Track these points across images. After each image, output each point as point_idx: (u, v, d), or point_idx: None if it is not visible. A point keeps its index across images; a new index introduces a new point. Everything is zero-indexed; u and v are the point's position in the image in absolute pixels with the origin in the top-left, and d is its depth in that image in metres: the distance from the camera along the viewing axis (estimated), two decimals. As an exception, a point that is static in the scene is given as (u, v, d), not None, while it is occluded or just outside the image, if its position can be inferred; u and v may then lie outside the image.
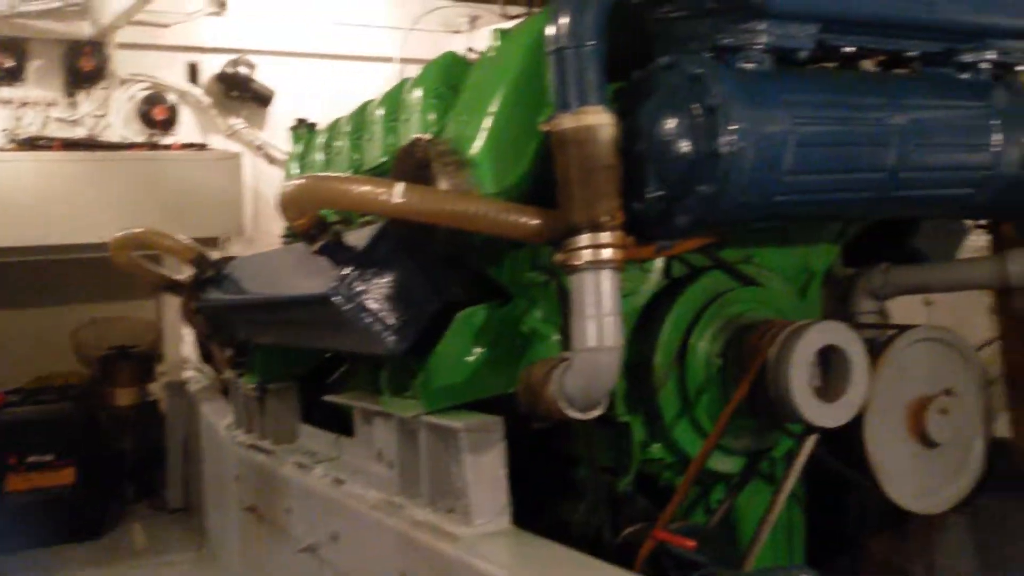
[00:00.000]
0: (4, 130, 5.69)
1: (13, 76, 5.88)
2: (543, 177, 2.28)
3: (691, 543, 2.35)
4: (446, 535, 2.48)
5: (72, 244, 5.15)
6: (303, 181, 2.48)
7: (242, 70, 6.34)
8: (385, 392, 2.94)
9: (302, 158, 3.98)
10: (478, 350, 2.65)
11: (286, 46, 6.50)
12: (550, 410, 2.29)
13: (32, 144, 5.45)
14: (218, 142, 6.26)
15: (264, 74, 6.49)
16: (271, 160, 6.58)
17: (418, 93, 2.82)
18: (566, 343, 2.39)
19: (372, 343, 2.60)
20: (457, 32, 6.77)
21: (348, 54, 6.57)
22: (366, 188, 2.30)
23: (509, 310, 2.66)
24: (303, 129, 4.07)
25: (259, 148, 6.53)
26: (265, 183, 6.36)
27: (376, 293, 2.52)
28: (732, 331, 2.54)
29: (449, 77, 2.77)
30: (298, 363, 4.02)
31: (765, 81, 2.20)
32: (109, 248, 4.16)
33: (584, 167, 2.10)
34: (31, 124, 5.84)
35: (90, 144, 5.65)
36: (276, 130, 6.55)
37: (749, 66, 2.18)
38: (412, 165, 2.42)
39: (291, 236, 3.89)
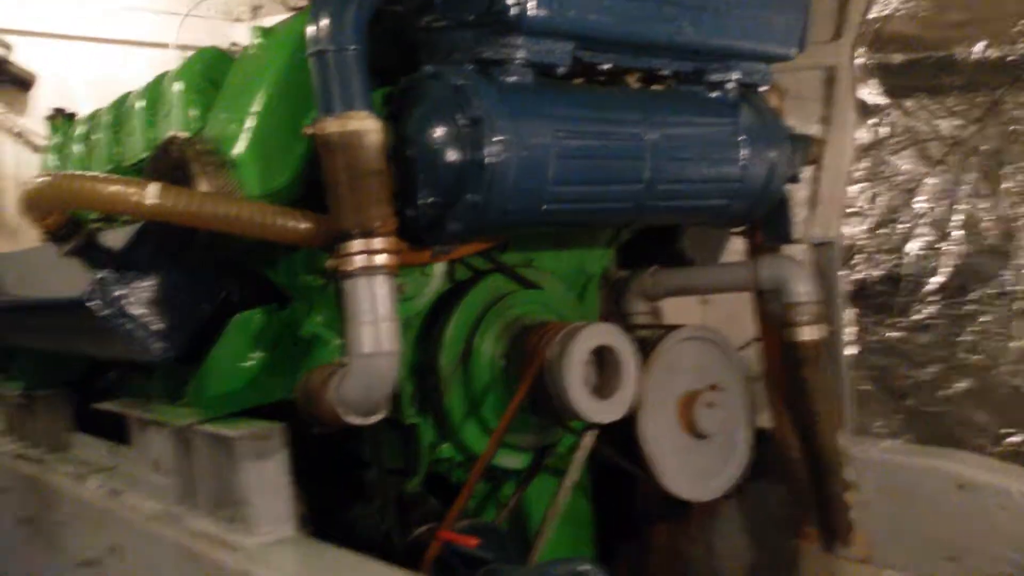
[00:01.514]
0: None
1: None
2: (315, 180, 2.22)
3: (473, 541, 2.40)
4: (227, 545, 2.39)
5: None
6: (47, 179, 2.28)
7: (-2, 47, 5.75)
8: (159, 399, 2.79)
9: (60, 150, 3.68)
10: (256, 355, 2.56)
11: (49, 27, 5.96)
12: (329, 416, 2.25)
13: None
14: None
15: (25, 56, 5.92)
16: (35, 148, 6.03)
17: (179, 87, 2.67)
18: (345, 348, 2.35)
19: (137, 350, 2.45)
20: (238, 20, 6.47)
21: (120, 38, 6.12)
22: (116, 188, 2.14)
23: (288, 314, 2.58)
24: (61, 119, 3.77)
25: (20, 135, 5.97)
26: (29, 172, 5.83)
27: (137, 297, 2.37)
28: (514, 333, 2.60)
29: (211, 72, 2.64)
30: (67, 368, 3.74)
31: (527, 94, 2.25)
32: None
33: (351, 172, 2.06)
34: None
35: None
36: (39, 116, 6.01)
37: (511, 79, 2.22)
38: (169, 164, 2.28)
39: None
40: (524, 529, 2.90)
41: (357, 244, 2.07)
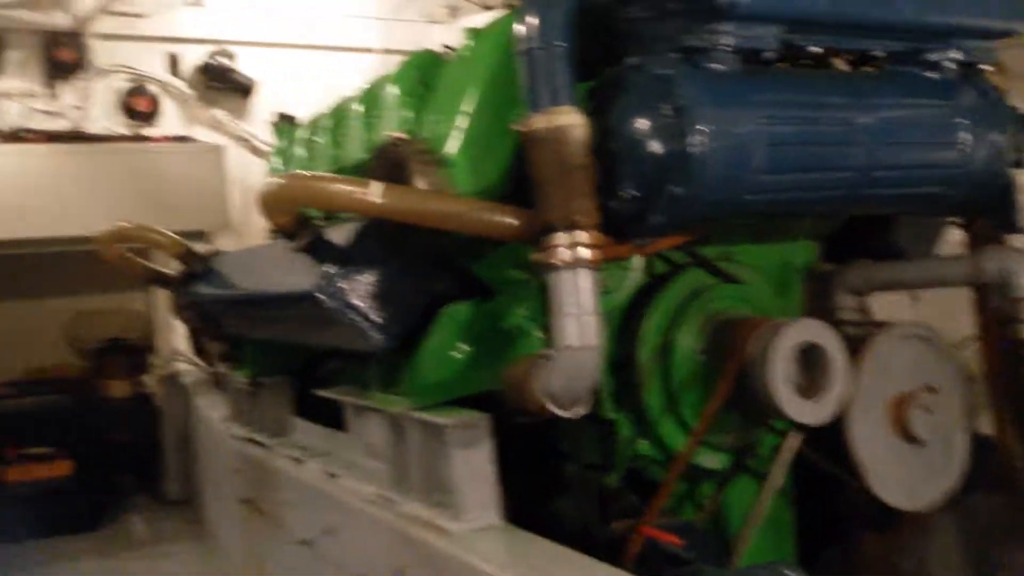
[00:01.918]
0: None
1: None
2: (521, 176, 2.29)
3: (677, 539, 2.38)
4: (438, 530, 2.51)
5: (58, 237, 5.16)
6: (282, 181, 2.49)
7: (222, 61, 6.30)
8: (374, 387, 2.96)
9: (284, 152, 3.98)
10: (464, 346, 2.67)
11: (266, 36, 6.46)
12: (534, 407, 2.30)
13: (15, 137, 5.43)
14: (202, 133, 6.23)
15: (245, 64, 6.44)
16: (256, 151, 6.56)
17: (394, 91, 2.83)
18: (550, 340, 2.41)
19: (358, 340, 2.62)
20: (437, 23, 6.75)
21: (329, 44, 6.54)
22: (344, 188, 2.31)
23: (493, 306, 2.67)
24: (284, 124, 4.07)
25: (243, 139, 6.50)
26: (251, 174, 6.35)
27: (360, 290, 2.53)
28: (714, 328, 2.56)
29: (424, 75, 2.78)
30: (290, 357, 4.04)
31: (732, 82, 2.22)
32: (96, 242, 4.16)
33: (557, 167, 2.11)
34: (12, 116, 5.80)
35: (74, 136, 5.62)
36: (259, 121, 6.53)
37: (716, 67, 2.20)
38: (389, 164, 2.43)
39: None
40: (722, 530, 2.85)
41: (562, 238, 2.12)
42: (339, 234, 2.65)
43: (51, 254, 5.74)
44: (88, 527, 5.64)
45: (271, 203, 2.51)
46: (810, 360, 2.46)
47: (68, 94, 6.06)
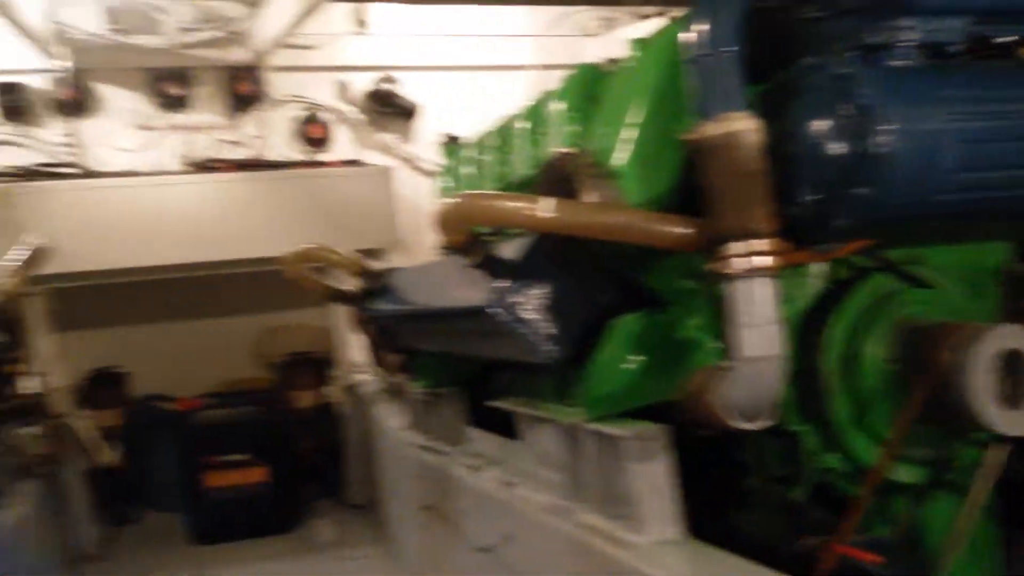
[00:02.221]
0: (179, 155, 6.17)
1: (182, 103, 6.37)
2: (690, 185, 2.26)
3: (877, 557, 2.27)
4: (620, 542, 2.51)
5: (246, 258, 5.53)
6: (457, 201, 2.57)
7: (388, 86, 6.58)
8: (547, 398, 3.00)
9: (452, 172, 4.10)
10: (635, 358, 2.65)
11: (427, 60, 6.69)
12: (713, 420, 2.27)
13: (205, 167, 5.88)
14: (371, 156, 6.52)
15: (408, 88, 6.69)
16: (421, 172, 6.80)
17: (559, 106, 2.86)
18: (725, 352, 2.37)
19: (530, 353, 2.66)
20: (592, 36, 6.76)
21: (486, 64, 6.69)
22: (516, 205, 2.35)
23: (664, 318, 2.65)
24: (451, 144, 4.19)
25: (409, 161, 6.75)
26: (418, 194, 6.60)
27: (532, 304, 2.57)
28: (903, 335, 2.42)
29: (588, 89, 2.78)
30: (464, 368, 4.14)
31: (917, 77, 2.11)
32: (281, 263, 4.43)
33: (731, 174, 2.06)
34: (201, 147, 6.30)
35: (256, 164, 6.03)
36: (423, 142, 6.75)
37: (898, 63, 2.09)
38: (558, 179, 2.45)
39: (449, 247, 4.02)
40: (917, 549, 2.68)
41: (738, 246, 2.08)
42: (510, 250, 2.71)
43: (241, 275, 6.17)
44: (280, 530, 5.99)
45: (447, 222, 2.60)
46: (1011, 367, 2.28)
47: (249, 125, 6.52)
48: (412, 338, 4.11)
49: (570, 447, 2.87)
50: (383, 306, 4.11)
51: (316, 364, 6.59)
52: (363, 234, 5.02)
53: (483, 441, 3.93)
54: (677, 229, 2.24)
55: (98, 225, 5.29)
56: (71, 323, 6.26)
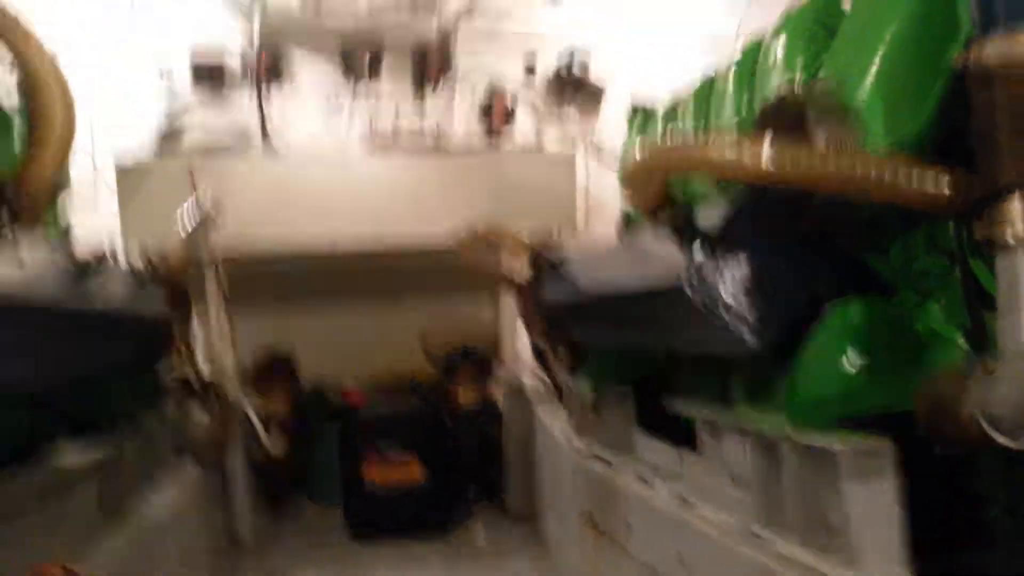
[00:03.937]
0: (363, 132, 6.09)
1: (370, 80, 6.28)
2: (953, 127, 1.76)
3: None
4: (822, 579, 2.03)
5: (419, 242, 5.34)
6: (652, 148, 2.15)
7: (577, 64, 6.26)
8: (739, 403, 2.54)
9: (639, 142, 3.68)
10: (857, 354, 2.16)
11: (620, 35, 6.32)
12: (965, 433, 1.76)
13: (387, 145, 5.76)
14: (553, 138, 6.22)
15: (598, 68, 6.35)
16: (603, 159, 6.43)
17: (785, 38, 2.39)
18: (976, 348, 1.85)
19: (726, 342, 2.21)
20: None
21: (682, 39, 6.25)
22: (726, 150, 1.91)
23: (896, 305, 2.14)
24: (639, 113, 3.79)
25: (592, 144, 6.39)
26: (597, 182, 6.22)
27: (732, 283, 2.13)
28: None
29: (823, 16, 2.30)
30: (635, 368, 3.74)
31: None
32: (455, 243, 4.18)
33: (1018, 110, 1.56)
34: (385, 126, 6.19)
35: (436, 145, 5.85)
36: (609, 125, 6.39)
37: None
38: (781, 121, 2.00)
39: (628, 228, 3.63)
40: None
41: (1021, 205, 1.57)
42: (708, 217, 2.28)
43: (413, 262, 6.01)
44: (435, 531, 5.76)
45: (637, 176, 2.20)
46: None
47: (433, 103, 6.37)
48: (583, 329, 3.74)
49: (766, 462, 2.40)
50: (555, 292, 3.76)
51: (480, 360, 6.33)
52: (541, 219, 4.70)
53: (656, 451, 3.51)
54: (934, 182, 1.74)
55: (277, 201, 5.26)
56: (243, 303, 6.32)
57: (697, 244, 2.20)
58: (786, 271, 2.16)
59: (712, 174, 1.99)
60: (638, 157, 2.16)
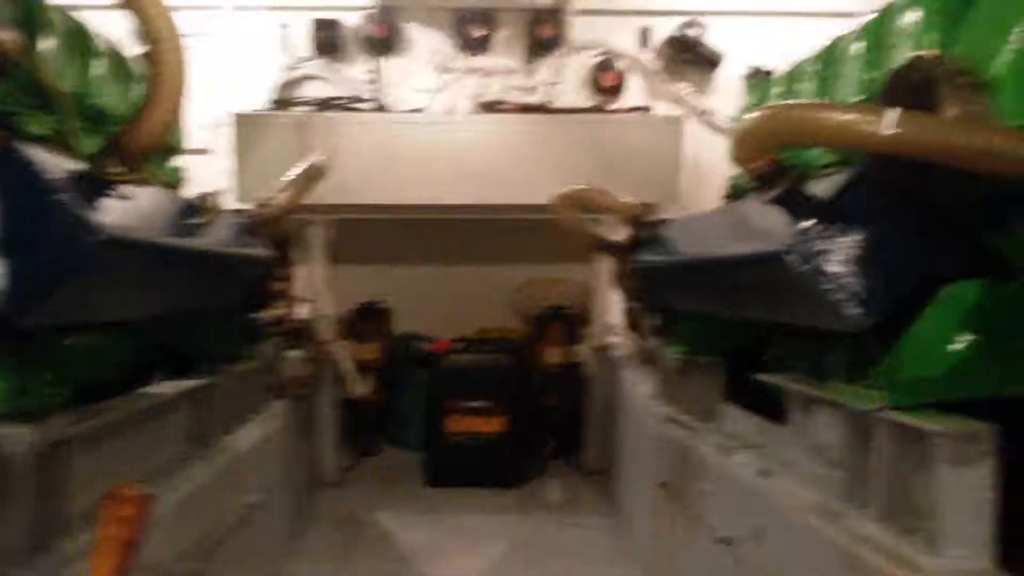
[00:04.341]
0: (471, 96, 6.12)
1: (482, 45, 6.31)
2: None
3: None
4: (908, 563, 1.99)
5: (518, 204, 5.36)
6: (766, 111, 2.10)
7: (693, 32, 6.12)
8: (834, 377, 2.49)
9: (756, 107, 3.58)
10: (967, 337, 2.09)
11: (738, 5, 6.14)
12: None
13: (491, 107, 5.77)
14: (662, 108, 6.12)
15: (715, 36, 6.20)
16: (714, 127, 6.31)
17: (916, 13, 2.29)
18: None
19: (829, 315, 2.16)
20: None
21: (802, 10, 6.03)
22: (847, 116, 1.85)
23: (1015, 289, 2.06)
24: (758, 78, 3.69)
25: (703, 113, 6.26)
26: (705, 151, 6.11)
27: (841, 254, 2.08)
28: None
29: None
30: (728, 336, 3.70)
31: None
32: (552, 203, 4.18)
33: None
34: (495, 90, 6.22)
35: (542, 108, 5.84)
36: (722, 95, 6.26)
37: None
38: (909, 91, 1.92)
39: (734, 197, 3.56)
40: None
41: None
42: (821, 185, 2.22)
43: (509, 223, 6.05)
44: (512, 483, 5.85)
45: (748, 138, 2.15)
46: None
47: (544, 70, 6.35)
48: (677, 295, 3.71)
49: (855, 439, 2.36)
50: (652, 257, 3.74)
51: (570, 321, 6.36)
52: (643, 186, 4.63)
53: (740, 420, 3.47)
54: (1070, 161, 1.66)
55: (385, 160, 5.36)
56: (345, 255, 6.50)
57: (808, 213, 2.15)
58: (901, 246, 2.10)
59: (832, 141, 1.92)
60: (754, 118, 2.11)
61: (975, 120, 1.78)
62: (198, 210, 2.80)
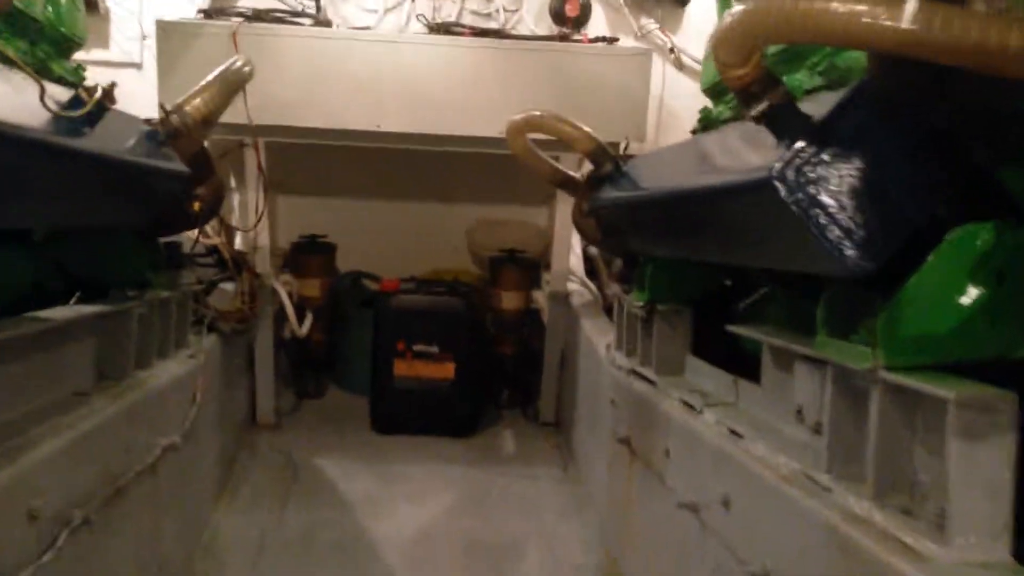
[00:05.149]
0: (420, 15, 5.63)
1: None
2: None
3: None
4: (908, 550, 1.69)
5: (472, 136, 4.94)
6: (753, 5, 1.71)
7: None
8: (821, 331, 2.17)
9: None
10: (976, 288, 1.78)
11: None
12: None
13: (445, 29, 5.31)
14: (627, 44, 5.71)
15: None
16: (680, 66, 5.93)
17: None
18: None
19: (821, 256, 1.82)
20: None
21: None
22: (857, 7, 1.48)
23: (1029, 235, 1.75)
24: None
25: (671, 52, 5.87)
26: (671, 92, 5.74)
27: (837, 184, 1.74)
28: None
29: None
30: (695, 282, 3.39)
31: None
32: (507, 129, 3.78)
33: None
34: (447, 13, 5.74)
35: (501, 33, 5.39)
36: (690, 34, 5.87)
37: None
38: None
39: (705, 130, 3.21)
40: None
41: None
42: (815, 102, 1.87)
43: (462, 157, 5.64)
44: (461, 433, 5.56)
45: (734, 37, 1.77)
46: None
47: (502, -3, 5.90)
48: (642, 236, 3.37)
49: (844, 400, 2.05)
50: (615, 193, 3.38)
51: (526, 265, 5.99)
52: (608, 123, 4.22)
53: (707, 376, 3.18)
54: None
55: (325, 79, 4.86)
56: (285, 186, 6.03)
57: (798, 136, 1.80)
58: (907, 178, 1.76)
59: (836, 37, 1.54)
60: (742, 11, 1.72)
61: (1009, 15, 1.42)
62: (96, 109, 2.34)
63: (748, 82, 1.80)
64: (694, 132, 3.30)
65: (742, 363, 2.89)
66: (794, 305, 2.67)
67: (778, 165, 1.74)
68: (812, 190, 1.73)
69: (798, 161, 1.74)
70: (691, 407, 2.98)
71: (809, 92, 2.45)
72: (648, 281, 3.47)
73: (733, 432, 2.64)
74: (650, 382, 3.44)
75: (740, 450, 2.51)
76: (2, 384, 2.26)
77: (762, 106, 1.81)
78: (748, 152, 2.18)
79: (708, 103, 3.71)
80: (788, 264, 2.16)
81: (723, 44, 1.78)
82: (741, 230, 2.18)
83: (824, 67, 2.22)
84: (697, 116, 3.73)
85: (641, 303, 3.48)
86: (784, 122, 1.80)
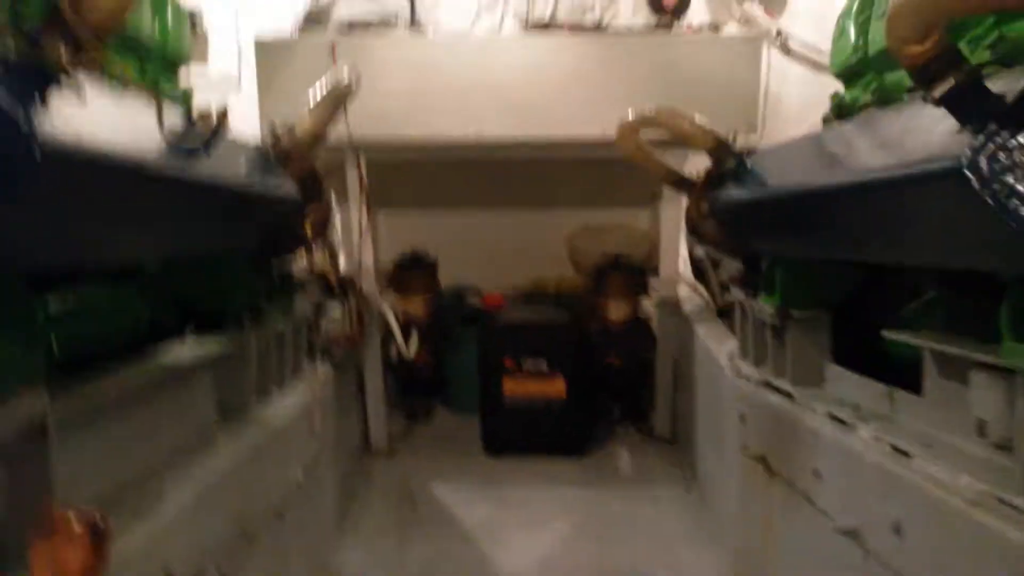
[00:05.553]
0: (519, 18, 5.48)
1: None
2: None
3: None
4: None
5: (573, 138, 4.75)
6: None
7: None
8: (1006, 337, 1.91)
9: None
10: None
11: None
12: None
13: (542, 26, 5.14)
14: (732, 32, 5.44)
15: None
16: (788, 52, 5.61)
17: None
18: None
19: (1017, 253, 1.59)
20: None
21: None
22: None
23: None
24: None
25: (777, 36, 5.56)
26: (779, 79, 5.42)
27: (1035, 171, 1.50)
28: None
29: None
30: (834, 286, 3.13)
31: None
32: (616, 131, 3.58)
33: None
34: (541, 12, 5.57)
35: (599, 28, 5.19)
36: (796, 17, 5.55)
37: None
38: None
39: (841, 117, 2.95)
40: None
41: None
42: (1006, 81, 1.63)
43: (561, 161, 5.46)
44: (575, 452, 5.37)
45: (909, 11, 1.56)
46: None
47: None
48: (770, 236, 3.13)
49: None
50: (740, 192, 3.15)
51: (633, 271, 5.76)
52: (717, 116, 3.98)
53: (854, 386, 2.91)
54: None
55: (422, 88, 4.75)
56: (380, 199, 5.95)
57: (987, 119, 1.56)
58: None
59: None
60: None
61: None
62: (204, 135, 2.23)
63: (928, 59, 1.58)
64: (825, 120, 3.04)
65: (893, 370, 2.63)
66: (955, 308, 2.40)
67: (968, 152, 1.51)
68: (1009, 179, 1.50)
69: (991, 147, 1.51)
70: (841, 421, 2.73)
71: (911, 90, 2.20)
72: (780, 284, 3.22)
73: (895, 449, 2.38)
74: (786, 394, 3.19)
75: (910, 470, 2.26)
76: (131, 430, 2.18)
77: (946, 86, 1.58)
78: (907, 140, 1.94)
79: (823, 90, 3.43)
80: (969, 262, 1.91)
81: (902, 17, 1.57)
82: (910, 223, 1.94)
83: (992, 39, 1.97)
84: (810, 104, 3.45)
85: (773, 309, 3.23)
86: (970, 104, 1.57)
